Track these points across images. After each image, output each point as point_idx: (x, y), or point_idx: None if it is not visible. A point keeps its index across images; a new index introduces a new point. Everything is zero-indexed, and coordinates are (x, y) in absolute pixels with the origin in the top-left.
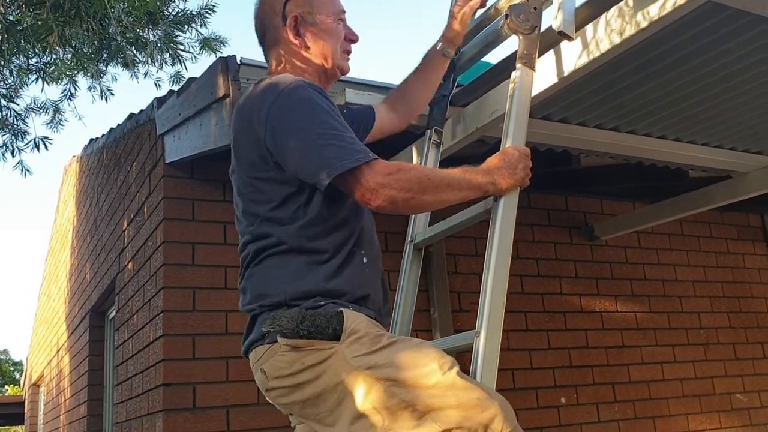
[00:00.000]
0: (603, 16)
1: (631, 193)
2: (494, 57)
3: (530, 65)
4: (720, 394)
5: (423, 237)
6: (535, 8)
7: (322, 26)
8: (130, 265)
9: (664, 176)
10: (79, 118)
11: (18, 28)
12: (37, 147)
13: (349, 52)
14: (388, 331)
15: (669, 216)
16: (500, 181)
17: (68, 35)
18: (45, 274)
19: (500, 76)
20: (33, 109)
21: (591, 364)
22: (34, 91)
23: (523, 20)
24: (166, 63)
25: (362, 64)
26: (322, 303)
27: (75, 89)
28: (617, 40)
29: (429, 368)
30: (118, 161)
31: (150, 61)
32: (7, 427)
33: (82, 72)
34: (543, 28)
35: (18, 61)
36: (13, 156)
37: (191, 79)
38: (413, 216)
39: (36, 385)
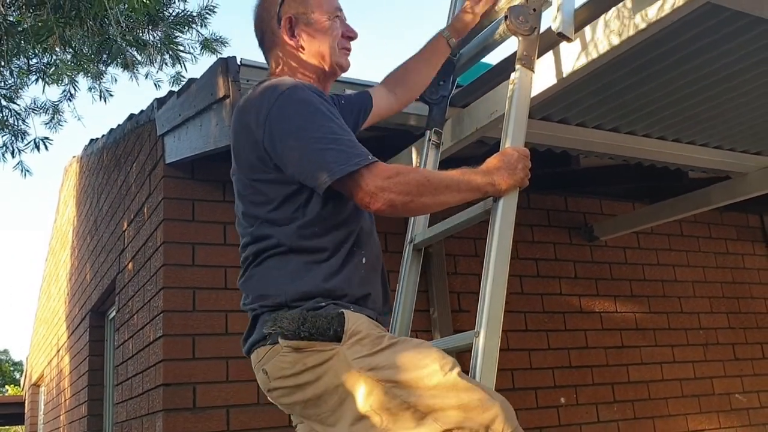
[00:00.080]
0: (602, 18)
1: (630, 193)
2: (494, 58)
3: (529, 66)
4: (719, 395)
5: (422, 238)
6: (534, 10)
7: (316, 25)
8: (130, 266)
9: (663, 177)
10: (78, 119)
11: (18, 29)
12: (38, 147)
13: (348, 49)
14: (388, 330)
15: (668, 216)
16: (499, 182)
17: (68, 36)
18: (45, 275)
19: (500, 77)
20: (33, 109)
21: (590, 365)
22: (35, 91)
23: (522, 21)
24: (166, 64)
25: (363, 65)
26: (323, 304)
27: (75, 90)
28: (616, 41)
29: (430, 369)
30: (118, 162)
31: (150, 62)
32: (7, 427)
33: (82, 73)
34: (542, 29)
35: (18, 62)
36: (13, 156)
37: (191, 80)
38: (413, 217)
39: (36, 385)
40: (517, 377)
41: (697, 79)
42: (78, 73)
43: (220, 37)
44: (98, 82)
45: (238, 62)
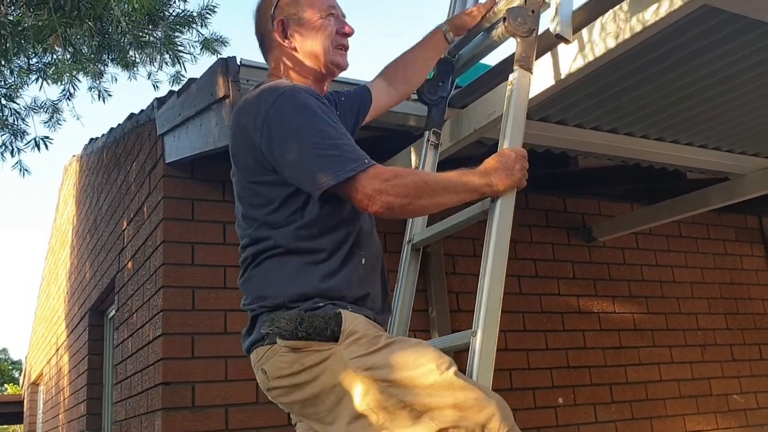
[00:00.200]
0: (599, 20)
1: (628, 194)
2: (492, 59)
3: (528, 67)
4: (717, 395)
5: (421, 237)
6: (532, 11)
7: (308, 24)
8: (129, 265)
9: (661, 178)
10: (78, 118)
11: (18, 28)
12: (38, 146)
13: (344, 47)
14: (386, 330)
15: (667, 217)
16: (497, 183)
17: (69, 36)
18: (45, 273)
19: (498, 78)
20: (32, 108)
21: (588, 365)
22: (34, 91)
23: (520, 23)
24: (166, 63)
25: (363, 64)
26: (321, 304)
27: (74, 89)
28: (612, 43)
29: (426, 368)
30: (118, 161)
31: (150, 62)
32: (5, 426)
33: (82, 72)
34: (540, 31)
35: (18, 61)
36: (12, 156)
37: (191, 80)
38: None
39: (35, 384)
40: (515, 377)
41: (695, 80)
42: (78, 72)
43: (220, 37)
44: (98, 81)
45: (238, 62)
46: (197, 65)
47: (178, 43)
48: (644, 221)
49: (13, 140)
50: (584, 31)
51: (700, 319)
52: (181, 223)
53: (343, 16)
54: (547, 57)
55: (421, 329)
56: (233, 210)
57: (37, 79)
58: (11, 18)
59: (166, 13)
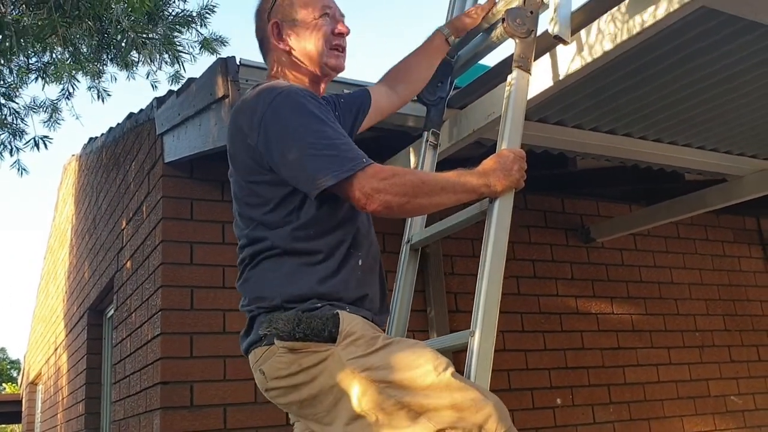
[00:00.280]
0: (598, 21)
1: (627, 195)
2: (491, 60)
3: (526, 68)
4: (715, 397)
5: (419, 238)
6: (531, 12)
7: (302, 26)
8: (128, 264)
9: (660, 179)
10: (77, 118)
11: (20, 26)
12: (37, 146)
13: (340, 47)
14: (384, 331)
15: (665, 218)
16: (495, 183)
17: (69, 35)
18: (43, 273)
19: (497, 79)
20: (32, 107)
21: (586, 366)
22: (33, 90)
23: (519, 24)
24: (165, 63)
25: (362, 64)
26: (319, 305)
27: (74, 89)
28: (611, 45)
29: (424, 369)
30: (117, 160)
31: (150, 61)
32: (4, 425)
33: (81, 72)
34: (539, 32)
35: (18, 61)
36: (11, 155)
37: (191, 80)
38: (409, 218)
39: (33, 384)
40: (513, 378)
41: (693, 82)
42: (78, 71)
43: (220, 36)
44: (97, 81)
45: (238, 62)
46: (196, 65)
47: (178, 43)
48: (642, 222)
49: (12, 139)
50: (583, 33)
51: (698, 321)
52: (180, 222)
53: (342, 16)
54: (546, 58)
55: (419, 329)
56: (232, 210)
57: (36, 79)
58: (11, 17)
59: (166, 12)
